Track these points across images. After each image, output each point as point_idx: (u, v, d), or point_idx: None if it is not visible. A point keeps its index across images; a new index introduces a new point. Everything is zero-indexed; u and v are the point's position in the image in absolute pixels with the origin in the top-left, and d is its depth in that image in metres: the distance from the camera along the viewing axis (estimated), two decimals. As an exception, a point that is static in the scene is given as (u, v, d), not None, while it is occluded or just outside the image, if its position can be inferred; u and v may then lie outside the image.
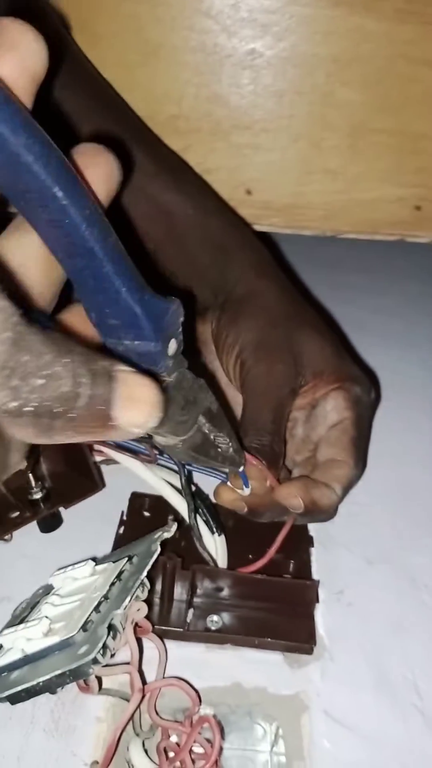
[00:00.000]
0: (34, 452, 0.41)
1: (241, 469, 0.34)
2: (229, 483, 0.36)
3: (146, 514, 0.43)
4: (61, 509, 0.42)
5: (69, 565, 0.35)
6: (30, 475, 0.41)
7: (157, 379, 0.22)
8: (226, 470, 0.34)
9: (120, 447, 0.39)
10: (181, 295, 0.25)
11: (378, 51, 0.53)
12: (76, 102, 0.45)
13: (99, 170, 0.23)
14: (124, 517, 0.42)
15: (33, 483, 0.41)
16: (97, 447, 0.41)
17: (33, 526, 0.41)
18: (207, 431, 0.29)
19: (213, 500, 0.39)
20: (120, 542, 0.40)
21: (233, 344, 0.42)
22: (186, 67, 0.53)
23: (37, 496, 0.41)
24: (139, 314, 0.22)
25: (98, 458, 0.42)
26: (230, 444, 0.31)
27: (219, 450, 0.30)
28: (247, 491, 0.36)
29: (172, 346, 0.24)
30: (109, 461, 0.42)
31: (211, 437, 0.29)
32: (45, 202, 0.19)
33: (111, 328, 0.23)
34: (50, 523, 0.41)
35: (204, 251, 0.45)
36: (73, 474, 0.42)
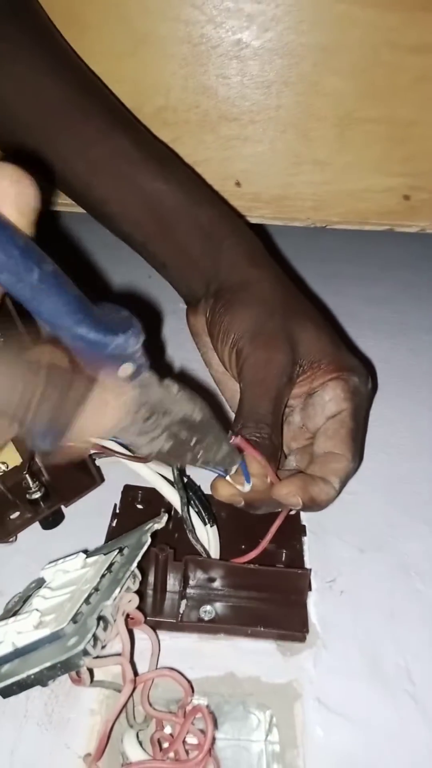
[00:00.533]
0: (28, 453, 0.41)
1: (235, 468, 0.34)
2: (228, 478, 0.36)
3: (139, 506, 0.43)
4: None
5: (60, 557, 0.35)
6: (27, 475, 0.41)
7: None
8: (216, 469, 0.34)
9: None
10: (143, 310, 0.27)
11: (364, 39, 0.52)
12: (59, 90, 0.45)
13: (19, 200, 0.23)
14: (117, 510, 0.42)
15: (31, 483, 0.41)
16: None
17: (27, 521, 0.41)
18: (183, 438, 0.30)
19: (205, 492, 0.39)
20: (112, 535, 0.40)
21: (229, 332, 0.42)
22: (173, 59, 0.53)
23: (36, 495, 0.41)
24: (81, 347, 0.25)
25: (92, 451, 0.41)
26: (215, 450, 0.32)
27: (199, 455, 0.31)
28: (248, 487, 0.36)
29: (126, 368, 0.27)
30: (102, 453, 0.42)
31: (191, 444, 0.30)
32: None
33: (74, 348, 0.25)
34: (52, 521, 0.41)
35: (195, 241, 0.45)
36: (71, 470, 0.42)
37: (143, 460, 0.37)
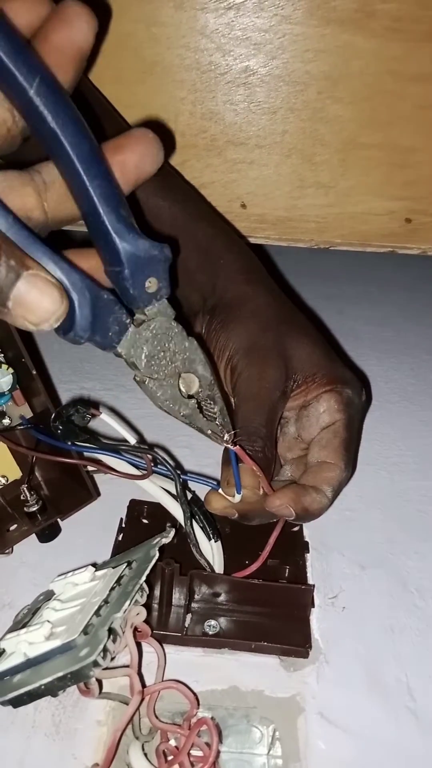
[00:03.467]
0: (28, 466, 0.42)
1: (232, 464, 0.35)
2: (220, 490, 0.37)
3: (144, 521, 0.43)
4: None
5: (69, 571, 0.35)
6: (25, 488, 0.42)
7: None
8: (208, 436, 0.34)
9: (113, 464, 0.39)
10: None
11: (367, 68, 0.54)
12: None
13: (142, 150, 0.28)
14: (123, 524, 0.43)
15: (28, 495, 0.42)
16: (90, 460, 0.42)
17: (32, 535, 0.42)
18: (185, 389, 0.31)
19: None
20: (119, 549, 0.40)
21: (224, 349, 0.43)
22: (182, 85, 0.54)
23: (34, 508, 0.42)
24: (115, 241, 0.26)
25: (92, 468, 0.42)
26: (217, 416, 0.32)
27: (199, 415, 0.32)
28: (238, 498, 0.36)
29: (152, 283, 0.28)
30: (100, 471, 0.42)
31: (192, 400, 0.31)
32: (55, 151, 0.25)
33: (101, 254, 0.27)
34: (49, 534, 0.42)
35: (192, 256, 0.46)
36: (67, 485, 0.43)
37: (140, 477, 0.38)
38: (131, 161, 0.27)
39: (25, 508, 0.42)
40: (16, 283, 0.23)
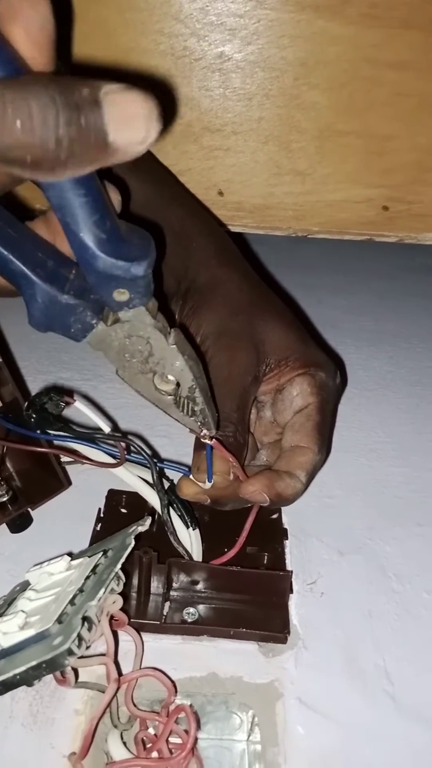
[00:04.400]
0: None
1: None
2: (191, 476, 0.37)
3: (123, 510, 0.43)
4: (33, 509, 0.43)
5: (45, 561, 0.35)
6: None
7: None
8: (191, 427, 0.34)
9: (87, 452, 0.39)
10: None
11: (343, 54, 0.54)
12: None
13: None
14: (102, 514, 0.42)
15: None
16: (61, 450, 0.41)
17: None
18: (157, 384, 0.31)
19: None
20: (97, 539, 0.40)
21: (195, 334, 0.42)
22: (156, 71, 0.54)
23: (4, 498, 0.41)
24: (86, 260, 0.25)
25: (67, 458, 0.42)
26: (200, 409, 0.32)
27: (180, 408, 0.32)
28: (209, 485, 0.36)
29: (122, 293, 0.27)
30: (74, 461, 0.42)
31: (169, 394, 0.31)
32: None
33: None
34: (19, 524, 0.42)
35: (165, 239, 0.45)
36: (38, 475, 0.43)
37: (113, 465, 0.38)
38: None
39: (-6, 499, 0.42)
40: (103, 113, 0.20)
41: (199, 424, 0.33)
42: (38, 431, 0.37)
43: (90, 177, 0.23)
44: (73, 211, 0.23)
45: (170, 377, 0.30)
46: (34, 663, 0.26)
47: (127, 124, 0.20)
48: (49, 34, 0.23)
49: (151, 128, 0.21)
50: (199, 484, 0.36)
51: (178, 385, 0.31)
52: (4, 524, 0.42)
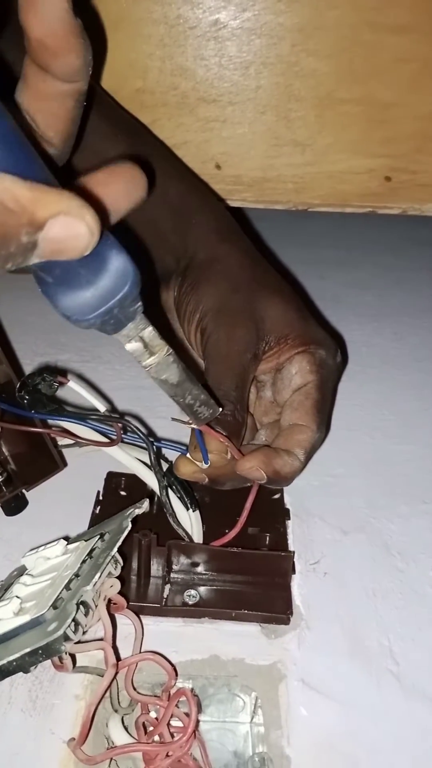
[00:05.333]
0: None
1: (201, 442, 0.33)
2: (188, 455, 0.36)
3: (122, 492, 0.42)
4: (30, 492, 0.42)
5: (41, 545, 0.34)
6: None
7: None
8: (203, 414, 0.32)
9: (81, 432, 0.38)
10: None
11: (342, 19, 0.52)
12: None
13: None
14: (100, 497, 0.42)
15: None
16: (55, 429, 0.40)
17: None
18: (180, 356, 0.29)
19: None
20: (96, 522, 0.39)
21: (194, 311, 0.42)
22: (149, 40, 0.52)
23: None
24: None
25: (66, 441, 0.41)
26: (201, 390, 0.31)
27: (197, 382, 0.30)
28: (206, 465, 0.35)
29: None
30: (77, 443, 0.41)
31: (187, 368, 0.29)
32: None
33: None
34: (15, 506, 0.41)
35: (164, 216, 0.44)
36: (33, 456, 0.42)
37: (108, 444, 0.37)
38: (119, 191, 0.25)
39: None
40: (35, 251, 0.19)
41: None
42: (32, 411, 0.36)
43: None
44: None
45: None
46: (29, 649, 0.26)
47: (58, 255, 0.20)
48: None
49: (86, 251, 0.20)
50: (196, 462, 0.36)
51: None
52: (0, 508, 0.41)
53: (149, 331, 0.26)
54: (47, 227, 0.19)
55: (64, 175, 0.24)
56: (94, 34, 0.51)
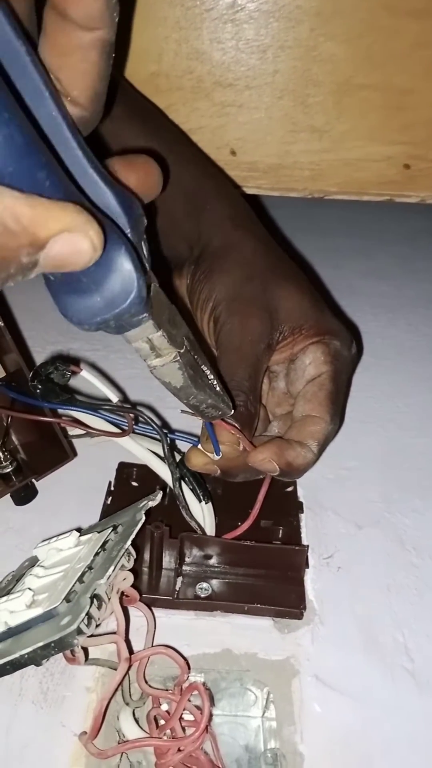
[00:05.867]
0: (3, 427, 0.40)
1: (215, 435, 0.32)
2: (200, 446, 0.35)
3: (134, 483, 0.42)
4: (41, 481, 0.42)
5: (54, 536, 0.34)
6: None
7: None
8: (210, 414, 0.31)
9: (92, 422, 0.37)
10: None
11: (361, 3, 0.51)
12: None
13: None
14: (112, 488, 0.41)
15: (2, 457, 0.40)
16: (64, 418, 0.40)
17: (16, 498, 0.41)
18: (194, 357, 0.28)
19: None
20: (107, 513, 0.39)
21: (207, 300, 0.41)
22: (165, 23, 0.51)
23: (8, 469, 0.41)
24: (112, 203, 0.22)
25: (77, 431, 0.40)
26: (215, 381, 0.30)
27: (209, 381, 0.29)
28: (218, 457, 0.35)
29: (144, 247, 0.24)
30: (88, 433, 0.41)
31: (199, 364, 0.28)
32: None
33: None
34: (24, 496, 0.41)
35: (178, 202, 0.43)
36: (43, 446, 0.42)
37: (119, 435, 0.36)
38: (132, 184, 0.25)
39: (-1, 470, 0.41)
40: (34, 269, 0.19)
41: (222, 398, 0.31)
42: (42, 401, 0.35)
43: None
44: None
45: None
46: (42, 643, 0.26)
47: (59, 269, 0.19)
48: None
49: (90, 263, 0.19)
50: (208, 454, 0.35)
51: None
52: (9, 497, 0.41)
53: (158, 336, 0.25)
54: (49, 246, 0.18)
55: (94, 142, 0.23)
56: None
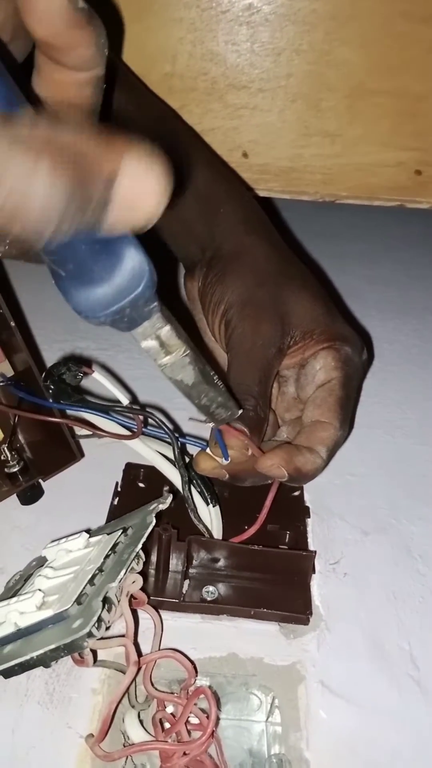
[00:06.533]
0: (10, 426, 0.40)
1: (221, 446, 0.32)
2: (208, 450, 0.35)
3: (141, 485, 0.42)
4: (48, 481, 0.41)
5: (62, 537, 0.34)
6: (6, 448, 0.40)
7: None
8: (220, 416, 0.31)
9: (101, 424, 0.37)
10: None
11: (376, 8, 0.51)
12: None
13: None
14: (119, 488, 0.41)
15: (9, 456, 0.40)
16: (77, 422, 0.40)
17: (24, 497, 0.41)
18: (200, 356, 0.28)
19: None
20: (114, 513, 0.39)
21: (219, 303, 0.41)
22: (180, 23, 0.51)
23: (15, 469, 0.40)
24: None
25: (84, 432, 0.40)
26: (219, 381, 0.30)
27: (215, 380, 0.29)
28: (226, 462, 0.35)
29: None
30: (96, 434, 0.41)
31: (204, 363, 0.28)
32: None
33: None
34: (31, 495, 0.41)
35: (190, 205, 0.43)
36: (50, 446, 0.42)
37: (127, 438, 0.36)
38: None
39: (6, 469, 0.41)
40: (111, 204, 0.19)
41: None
42: (52, 401, 0.35)
43: None
44: None
45: None
46: (53, 646, 0.26)
47: (129, 216, 0.19)
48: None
49: (156, 214, 0.20)
50: (217, 459, 0.35)
51: None
52: (16, 497, 0.41)
53: (167, 330, 0.25)
54: (119, 179, 0.19)
55: None
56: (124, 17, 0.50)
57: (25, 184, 0.17)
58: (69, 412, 0.38)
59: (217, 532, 0.38)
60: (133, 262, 0.22)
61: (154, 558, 0.36)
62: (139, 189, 0.19)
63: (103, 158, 0.18)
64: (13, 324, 0.36)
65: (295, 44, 0.51)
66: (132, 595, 0.31)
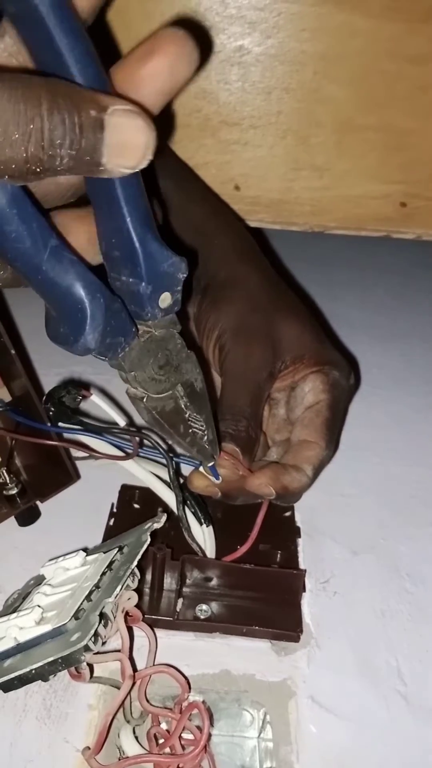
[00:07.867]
0: (8, 449, 0.41)
1: (211, 464, 0.34)
2: (201, 469, 0.37)
3: (136, 505, 0.43)
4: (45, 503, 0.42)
5: (60, 555, 0.35)
6: (4, 471, 0.41)
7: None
8: (195, 456, 0.33)
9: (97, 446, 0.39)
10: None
11: (364, 48, 0.53)
12: None
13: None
14: (114, 509, 0.42)
15: (7, 479, 0.41)
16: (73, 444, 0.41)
17: (22, 518, 0.42)
18: (183, 406, 0.30)
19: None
20: (110, 534, 0.40)
21: (213, 329, 0.43)
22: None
23: (13, 491, 0.42)
24: (138, 251, 0.24)
25: (80, 453, 0.41)
26: (206, 432, 0.31)
27: (191, 431, 0.31)
28: (217, 482, 0.36)
29: (165, 298, 0.25)
30: (92, 456, 0.42)
31: (186, 414, 0.30)
32: None
33: (113, 261, 0.25)
34: (28, 517, 0.42)
35: (186, 236, 0.45)
36: (47, 468, 0.43)
37: (122, 458, 0.38)
38: (163, 66, 0.23)
39: (3, 492, 0.42)
40: (103, 134, 0.20)
41: (205, 442, 0.32)
42: (49, 424, 0.37)
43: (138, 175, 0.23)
44: (132, 206, 0.23)
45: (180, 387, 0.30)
46: (50, 659, 0.26)
47: (123, 152, 0.21)
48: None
49: (145, 158, 0.21)
50: (210, 477, 0.36)
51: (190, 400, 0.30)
52: (13, 518, 0.42)
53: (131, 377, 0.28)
54: (111, 110, 0.20)
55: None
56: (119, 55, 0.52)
57: (26, 113, 0.19)
58: (66, 435, 0.39)
59: (211, 552, 0.39)
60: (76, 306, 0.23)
61: (149, 577, 0.37)
62: (129, 125, 0.21)
63: (96, 97, 0.20)
64: (13, 352, 0.37)
65: (284, 83, 0.54)
66: (127, 612, 0.32)
